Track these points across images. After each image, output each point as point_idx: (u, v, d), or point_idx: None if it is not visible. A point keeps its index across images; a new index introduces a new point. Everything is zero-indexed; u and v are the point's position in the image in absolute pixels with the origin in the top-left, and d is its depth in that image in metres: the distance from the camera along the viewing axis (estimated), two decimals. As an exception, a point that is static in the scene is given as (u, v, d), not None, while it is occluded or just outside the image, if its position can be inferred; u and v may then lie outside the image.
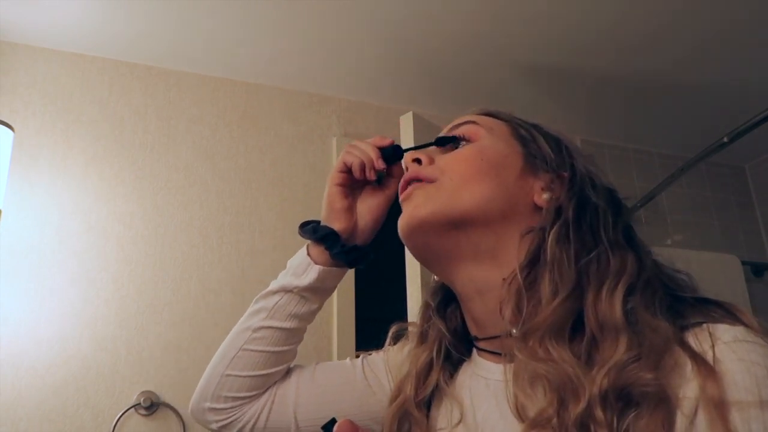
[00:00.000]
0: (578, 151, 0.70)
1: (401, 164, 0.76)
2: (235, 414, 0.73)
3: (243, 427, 0.73)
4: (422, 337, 0.71)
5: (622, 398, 0.48)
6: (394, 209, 0.74)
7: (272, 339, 0.74)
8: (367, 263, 0.78)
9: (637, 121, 2.31)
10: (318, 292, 0.76)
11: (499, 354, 0.61)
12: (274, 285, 0.76)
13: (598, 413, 0.48)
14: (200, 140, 1.91)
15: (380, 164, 0.74)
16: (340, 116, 2.12)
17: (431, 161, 0.68)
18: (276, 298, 0.75)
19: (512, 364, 0.57)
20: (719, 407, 0.46)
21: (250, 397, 0.74)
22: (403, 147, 0.76)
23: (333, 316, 1.83)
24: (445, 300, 0.71)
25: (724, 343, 0.49)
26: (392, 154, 0.74)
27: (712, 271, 2.20)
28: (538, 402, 0.52)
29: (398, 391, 0.69)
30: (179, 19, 1.73)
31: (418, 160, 0.69)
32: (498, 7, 1.72)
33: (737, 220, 2.60)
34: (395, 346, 0.77)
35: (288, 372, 0.77)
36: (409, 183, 0.68)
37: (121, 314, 1.67)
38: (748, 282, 2.29)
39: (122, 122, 1.84)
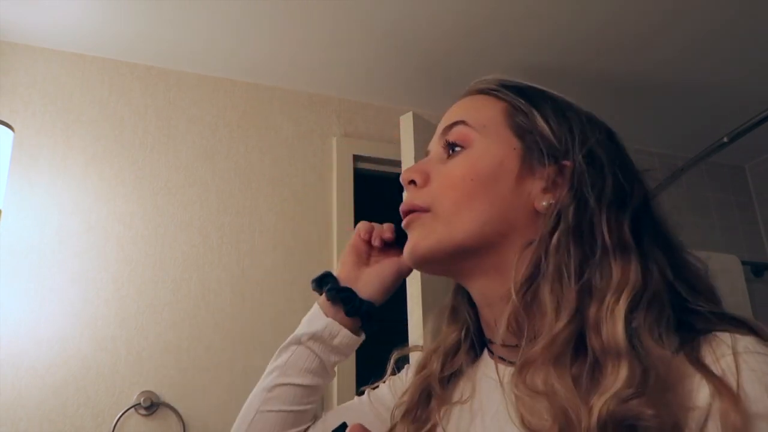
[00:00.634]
0: (588, 120, 0.63)
1: None
2: None
3: None
4: (452, 315, 0.70)
5: (621, 430, 0.47)
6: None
7: (288, 397, 0.72)
8: (371, 321, 0.75)
9: (637, 121, 2.31)
10: (326, 345, 0.74)
11: (507, 360, 0.61)
12: (288, 339, 0.76)
13: None
14: (200, 140, 1.91)
15: (387, 235, 0.75)
16: (340, 116, 2.12)
17: (427, 179, 0.65)
18: (287, 354, 0.74)
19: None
20: (729, 418, 0.45)
21: None
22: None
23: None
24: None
25: (735, 353, 0.47)
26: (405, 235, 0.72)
27: (712, 271, 2.19)
28: (542, 419, 0.51)
29: (424, 364, 0.69)
30: (179, 19, 1.73)
31: (414, 181, 0.67)
32: (498, 7, 1.72)
33: (737, 220, 2.60)
34: (398, 374, 0.77)
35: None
36: (407, 212, 0.67)
37: (121, 314, 1.67)
38: (748, 282, 2.29)
39: (122, 122, 1.84)
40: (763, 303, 2.35)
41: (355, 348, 0.76)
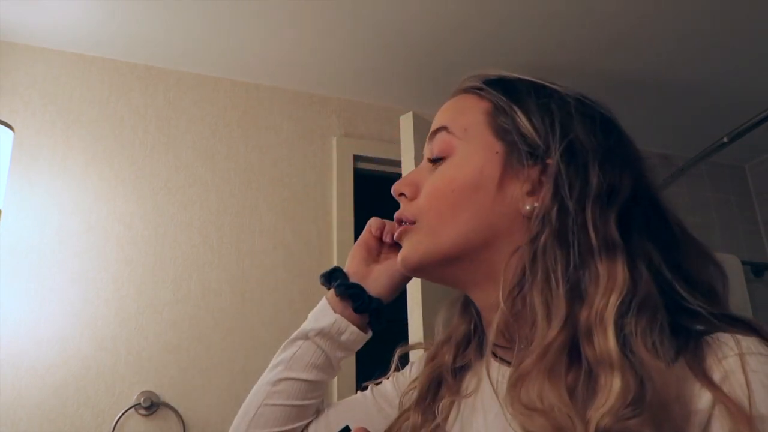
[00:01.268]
0: (576, 108, 0.61)
1: None
2: None
3: None
4: (464, 307, 0.70)
5: None
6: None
7: (292, 392, 0.72)
8: (379, 319, 0.75)
9: (637, 121, 2.31)
10: (333, 341, 0.73)
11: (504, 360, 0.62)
12: (294, 333, 0.75)
13: None
14: (200, 140, 1.91)
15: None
16: (340, 116, 2.12)
17: (416, 191, 0.65)
18: (294, 348, 0.74)
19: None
20: (732, 421, 0.44)
21: None
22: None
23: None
24: None
25: (737, 355, 0.47)
26: None
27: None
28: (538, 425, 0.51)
29: (435, 354, 0.69)
30: (179, 19, 1.73)
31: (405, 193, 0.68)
32: (499, 7, 1.72)
33: (737, 220, 2.60)
34: (401, 371, 0.77)
35: (305, 427, 0.76)
36: (399, 224, 0.68)
37: (121, 314, 1.67)
38: (748, 282, 2.29)
39: (122, 122, 1.84)
40: (763, 303, 2.35)
41: (362, 344, 0.76)
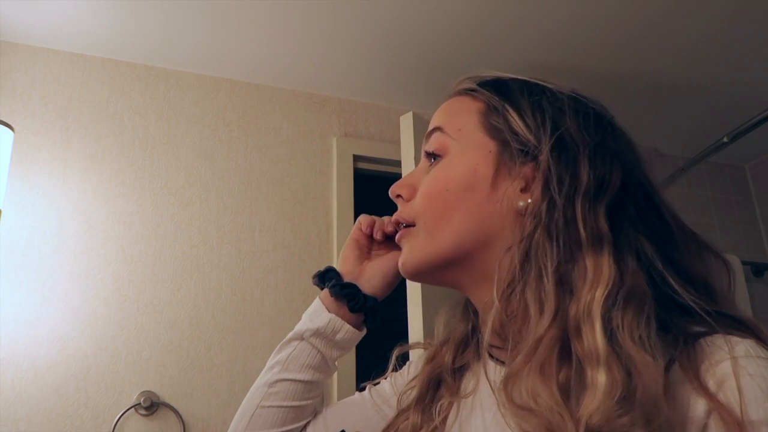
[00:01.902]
0: (569, 104, 0.61)
1: None
2: None
3: None
4: (465, 309, 0.70)
5: None
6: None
7: (289, 393, 0.72)
8: (374, 315, 0.75)
9: (637, 121, 2.30)
10: (329, 341, 0.74)
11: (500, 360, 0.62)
12: (289, 334, 0.75)
13: None
14: (200, 140, 1.91)
15: (389, 228, 0.75)
16: (340, 116, 2.12)
17: (412, 192, 0.66)
18: (289, 349, 0.74)
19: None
20: (729, 426, 0.44)
21: None
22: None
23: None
24: None
25: (735, 358, 0.46)
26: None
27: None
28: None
29: (434, 354, 0.70)
30: (179, 19, 1.73)
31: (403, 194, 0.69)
32: (498, 7, 1.72)
33: (737, 220, 2.60)
34: (399, 371, 0.77)
35: (303, 428, 0.76)
36: (397, 227, 0.69)
37: (121, 314, 1.67)
38: (748, 282, 2.29)
39: (122, 122, 1.84)
40: (763, 303, 2.35)
41: (357, 342, 0.76)
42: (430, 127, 0.67)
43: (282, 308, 1.83)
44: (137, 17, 1.71)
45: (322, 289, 0.76)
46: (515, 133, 0.60)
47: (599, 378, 0.46)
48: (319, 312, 0.74)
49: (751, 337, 0.48)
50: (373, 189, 2.08)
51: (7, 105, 1.73)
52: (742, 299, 2.19)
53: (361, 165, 2.11)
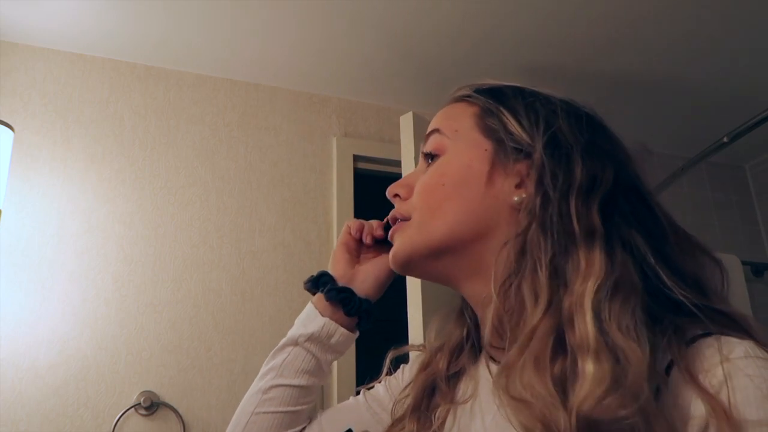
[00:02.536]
0: (562, 108, 0.63)
1: None
2: None
3: None
4: (459, 315, 0.71)
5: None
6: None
7: (284, 398, 0.72)
8: (368, 317, 0.75)
9: (637, 121, 2.31)
10: (323, 345, 0.74)
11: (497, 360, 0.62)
12: (282, 341, 0.76)
13: None
14: (200, 140, 1.91)
15: (378, 232, 0.76)
16: (340, 116, 2.12)
17: (410, 192, 0.68)
18: (284, 355, 0.74)
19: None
20: (730, 426, 0.44)
21: None
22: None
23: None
24: None
25: (733, 359, 0.46)
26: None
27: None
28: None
29: (428, 361, 0.70)
30: (179, 20, 1.73)
31: (400, 193, 0.70)
32: (498, 7, 1.72)
33: (737, 220, 2.60)
34: (394, 374, 0.77)
35: None
36: (392, 223, 0.70)
37: (121, 314, 1.67)
38: (748, 282, 2.29)
39: (122, 122, 1.84)
40: (763, 303, 2.35)
41: (351, 345, 0.76)
42: (428, 131, 0.69)
43: (282, 308, 1.83)
44: (137, 17, 1.71)
45: (314, 294, 0.76)
46: (510, 133, 0.62)
47: (588, 367, 0.47)
48: (312, 317, 0.74)
49: (748, 338, 0.48)
50: (373, 189, 2.08)
51: (7, 105, 1.73)
52: (742, 299, 2.19)
53: (361, 165, 2.11)
